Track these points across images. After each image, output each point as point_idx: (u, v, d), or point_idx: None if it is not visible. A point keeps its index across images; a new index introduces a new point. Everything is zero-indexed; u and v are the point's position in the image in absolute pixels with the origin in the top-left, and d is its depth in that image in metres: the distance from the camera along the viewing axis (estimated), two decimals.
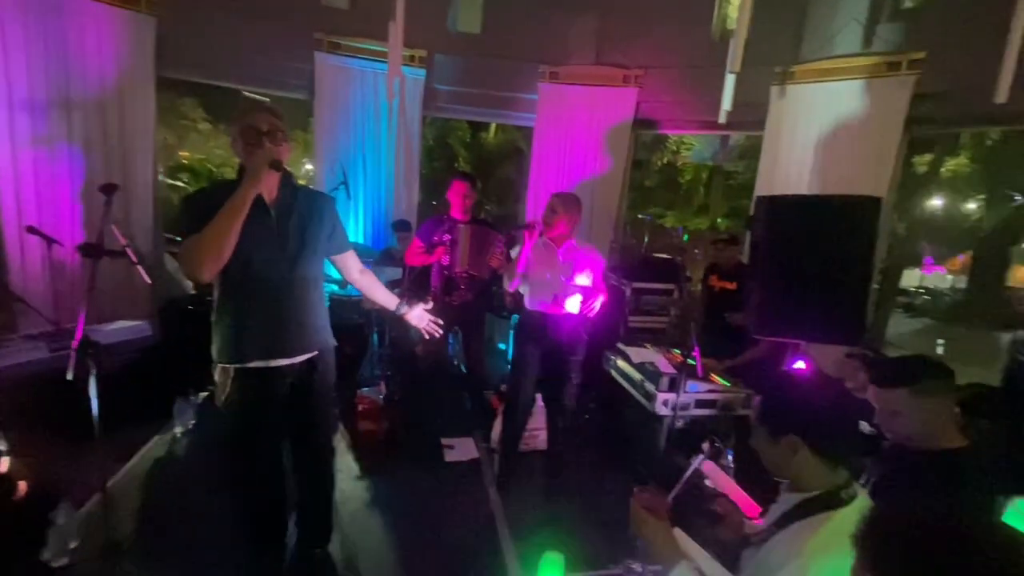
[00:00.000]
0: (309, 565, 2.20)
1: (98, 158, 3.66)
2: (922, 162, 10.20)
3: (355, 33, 4.57)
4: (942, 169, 10.44)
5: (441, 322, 2.18)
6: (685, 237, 8.75)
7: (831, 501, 1.11)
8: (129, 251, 2.18)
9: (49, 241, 3.13)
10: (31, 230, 3.10)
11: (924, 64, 3.68)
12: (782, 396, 1.22)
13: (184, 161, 10.66)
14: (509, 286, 2.88)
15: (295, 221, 1.78)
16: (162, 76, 4.00)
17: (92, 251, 1.95)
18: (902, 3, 3.88)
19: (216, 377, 1.83)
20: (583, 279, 2.79)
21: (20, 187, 3.36)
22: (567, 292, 2.76)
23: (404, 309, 2.13)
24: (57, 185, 3.51)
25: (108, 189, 2.09)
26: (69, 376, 1.93)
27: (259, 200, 1.69)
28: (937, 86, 3.68)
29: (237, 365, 1.77)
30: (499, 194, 11.51)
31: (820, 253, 2.26)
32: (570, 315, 2.77)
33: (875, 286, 4.21)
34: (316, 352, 1.92)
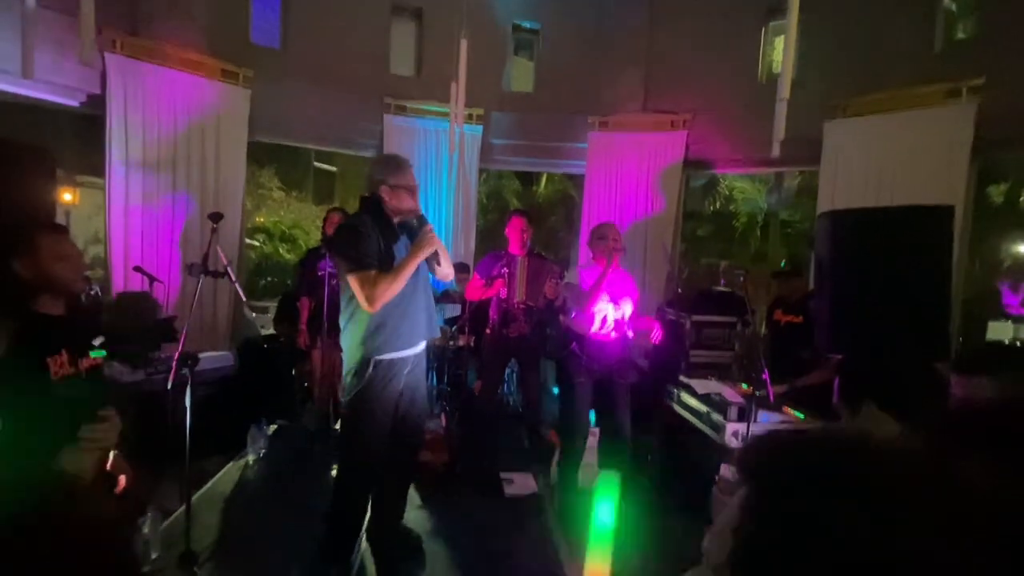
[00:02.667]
0: None
1: (195, 210, 4.11)
2: (998, 192, 9.59)
3: (419, 96, 5.03)
4: (1021, 199, 9.73)
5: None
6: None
7: None
8: (229, 269, 2.41)
9: (152, 279, 3.49)
10: (137, 269, 3.48)
11: (987, 89, 3.62)
12: (860, 367, 1.18)
13: (259, 224, 11.65)
14: (582, 315, 2.84)
15: (411, 236, 2.21)
16: (251, 140, 4.50)
17: (197, 270, 2.18)
18: (955, 34, 3.89)
19: (355, 374, 2.10)
20: (626, 304, 2.81)
21: (129, 233, 3.81)
22: (619, 315, 2.80)
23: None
24: (160, 232, 3.95)
25: (215, 217, 2.36)
26: (169, 386, 2.11)
27: (393, 224, 2.17)
28: (1005, 108, 3.59)
29: (391, 355, 2.09)
30: (548, 243, 11.77)
31: (892, 265, 2.18)
32: (621, 339, 2.77)
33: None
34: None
